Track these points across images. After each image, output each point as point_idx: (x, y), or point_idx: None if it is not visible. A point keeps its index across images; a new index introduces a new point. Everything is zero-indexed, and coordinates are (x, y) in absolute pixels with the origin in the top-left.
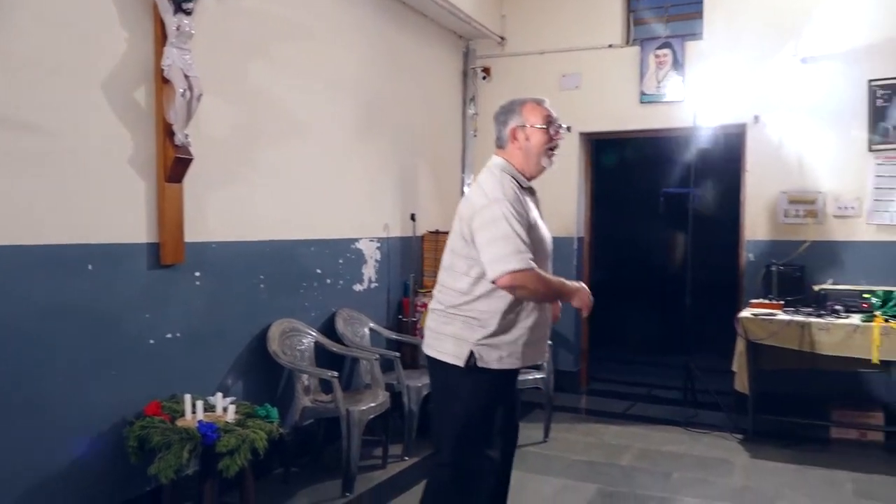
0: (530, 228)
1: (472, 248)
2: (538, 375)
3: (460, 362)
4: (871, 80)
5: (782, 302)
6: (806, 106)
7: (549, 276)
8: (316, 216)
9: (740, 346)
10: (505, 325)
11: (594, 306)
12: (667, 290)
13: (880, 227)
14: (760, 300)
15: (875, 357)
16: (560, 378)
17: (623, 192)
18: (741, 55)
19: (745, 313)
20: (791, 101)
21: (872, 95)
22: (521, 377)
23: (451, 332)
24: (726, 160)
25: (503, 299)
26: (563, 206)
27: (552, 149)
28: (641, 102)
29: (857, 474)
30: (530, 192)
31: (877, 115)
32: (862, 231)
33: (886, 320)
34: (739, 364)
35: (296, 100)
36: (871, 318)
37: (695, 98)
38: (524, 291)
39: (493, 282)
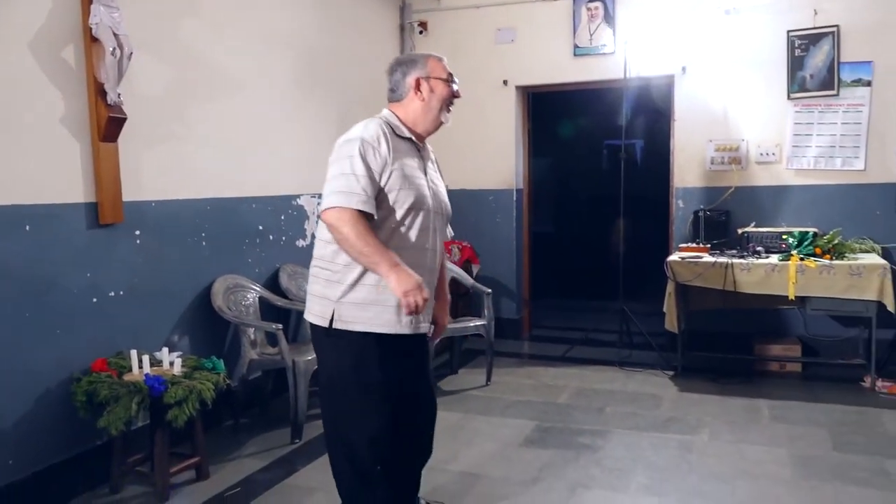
0: (402, 180)
1: None
2: (479, 322)
3: (324, 322)
4: (789, 31)
5: (709, 245)
6: (730, 57)
7: (372, 237)
8: (256, 173)
9: (670, 288)
10: (364, 281)
11: (535, 257)
12: (605, 237)
13: (798, 172)
14: (689, 244)
15: (791, 293)
16: (503, 326)
17: (567, 144)
18: (669, 7)
19: (674, 257)
20: (716, 52)
21: (791, 46)
22: (461, 325)
23: (316, 291)
24: (659, 111)
25: None
26: (501, 159)
27: (451, 104)
28: (575, 55)
29: (774, 401)
30: (412, 144)
31: (795, 65)
32: (782, 176)
33: (801, 259)
34: (669, 305)
35: (230, 56)
36: (787, 258)
37: (626, 50)
38: (338, 234)
39: (319, 216)
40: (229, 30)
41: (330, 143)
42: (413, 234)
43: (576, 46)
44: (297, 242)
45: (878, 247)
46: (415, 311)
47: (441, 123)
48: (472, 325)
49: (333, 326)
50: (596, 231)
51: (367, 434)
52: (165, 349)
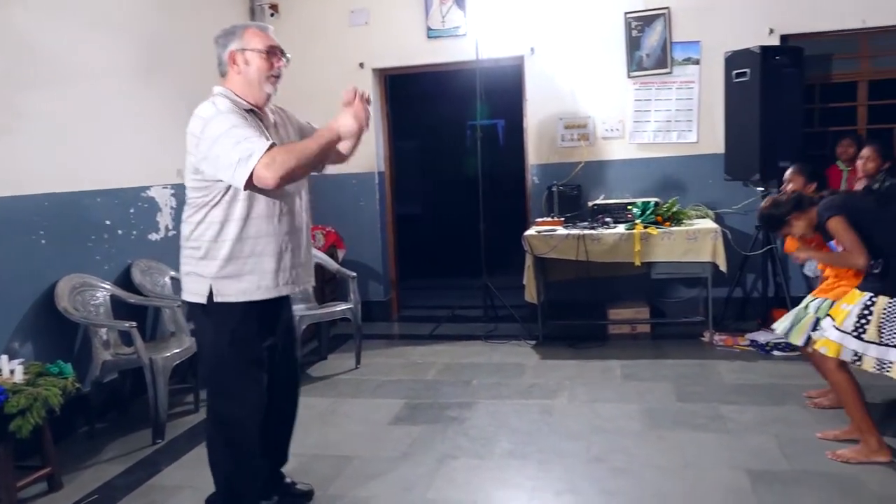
0: None
1: (198, 178)
2: (345, 307)
3: (202, 299)
4: (626, 13)
5: (562, 219)
6: (574, 37)
7: (301, 145)
8: (100, 165)
9: (528, 261)
10: (235, 253)
11: (403, 239)
12: (468, 216)
13: (640, 146)
14: (544, 219)
15: (637, 260)
16: (372, 308)
17: (429, 126)
18: None
19: (531, 231)
20: (561, 33)
21: (628, 27)
22: (327, 310)
23: (189, 270)
24: (513, 90)
25: (227, 225)
26: (362, 142)
27: (275, 76)
28: (429, 37)
29: (626, 361)
30: (255, 115)
31: (633, 45)
32: (625, 150)
33: (645, 227)
34: (529, 278)
35: (63, 42)
36: (632, 227)
37: (477, 32)
38: (288, 177)
39: (248, 187)
40: (62, 16)
41: (179, 131)
42: (280, 201)
43: (429, 28)
44: (149, 236)
45: (711, 212)
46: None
47: (268, 95)
48: (338, 309)
49: (215, 301)
50: (460, 210)
51: (249, 408)
52: (4, 357)
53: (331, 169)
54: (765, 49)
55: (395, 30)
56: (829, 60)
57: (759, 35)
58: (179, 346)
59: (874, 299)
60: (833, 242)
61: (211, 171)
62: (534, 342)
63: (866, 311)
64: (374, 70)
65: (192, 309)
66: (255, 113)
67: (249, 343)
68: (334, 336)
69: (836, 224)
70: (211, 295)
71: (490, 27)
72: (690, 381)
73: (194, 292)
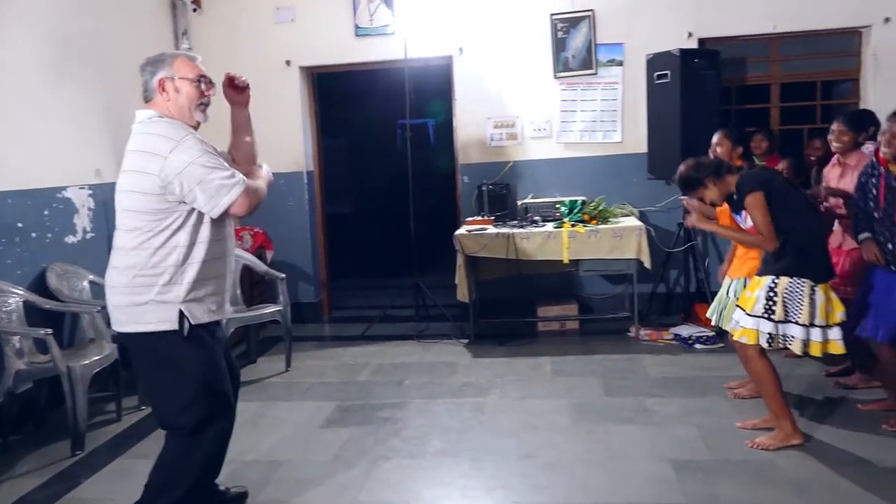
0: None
1: (161, 201)
2: (274, 309)
3: (172, 325)
4: (552, 14)
5: (492, 217)
6: (502, 38)
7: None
8: (9, 165)
9: (459, 260)
10: (202, 276)
11: (333, 239)
12: (398, 216)
13: (567, 145)
14: (475, 217)
15: (566, 257)
16: (302, 310)
17: (359, 124)
18: None
19: (462, 230)
20: (489, 33)
21: (554, 28)
22: (256, 312)
23: (150, 298)
24: (443, 90)
25: (195, 248)
26: (289, 141)
27: (205, 104)
28: (357, 35)
29: (556, 357)
30: None
31: (558, 46)
32: (553, 149)
33: (573, 225)
34: (460, 277)
35: None
36: (561, 225)
37: (405, 31)
38: (259, 202)
39: (220, 214)
40: None
41: (97, 130)
42: (222, 226)
43: (357, 27)
44: (65, 239)
45: (635, 210)
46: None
47: (198, 123)
48: (267, 311)
49: (190, 324)
50: (391, 209)
51: (232, 417)
52: None
53: None
54: (684, 52)
55: (323, 27)
56: (744, 63)
57: (678, 38)
58: (99, 353)
59: (776, 281)
60: (742, 216)
61: (180, 193)
62: (465, 341)
63: (772, 294)
64: (301, 68)
65: (153, 339)
66: None
67: (220, 359)
68: (263, 339)
69: (754, 200)
70: (183, 320)
71: (418, 26)
72: (617, 375)
73: (160, 320)
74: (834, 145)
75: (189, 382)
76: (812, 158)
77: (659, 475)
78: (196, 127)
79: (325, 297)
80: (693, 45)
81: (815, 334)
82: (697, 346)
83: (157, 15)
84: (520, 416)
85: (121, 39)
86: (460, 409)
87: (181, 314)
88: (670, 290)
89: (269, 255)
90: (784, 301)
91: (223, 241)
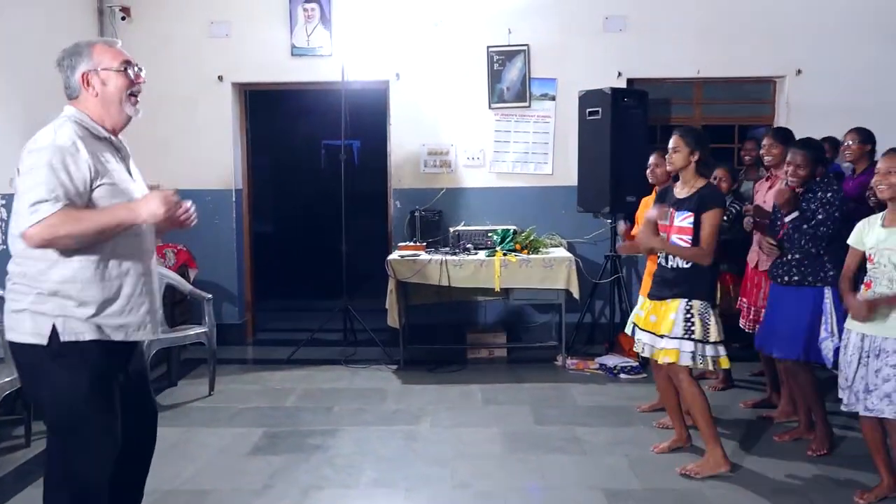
0: (113, 194)
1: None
2: (199, 330)
3: (43, 340)
4: (489, 46)
5: (425, 243)
6: (439, 66)
7: (88, 213)
8: None
9: (391, 285)
10: (102, 290)
11: (259, 259)
12: (328, 237)
13: (500, 175)
14: (407, 243)
15: (497, 285)
16: (225, 331)
17: (288, 143)
18: (383, 14)
19: (394, 255)
20: (427, 61)
21: (490, 60)
22: (179, 334)
23: (25, 307)
24: (377, 114)
25: (83, 258)
26: (218, 158)
27: (135, 94)
28: (293, 55)
29: (486, 385)
30: (110, 144)
31: (494, 78)
32: (486, 178)
33: (505, 254)
34: (391, 302)
35: None
36: (493, 253)
37: (343, 53)
38: (61, 242)
39: (24, 238)
40: None
41: (16, 138)
42: (131, 242)
43: (293, 46)
44: None
45: (564, 241)
46: (183, 212)
47: (129, 117)
48: (191, 333)
49: (64, 340)
50: (319, 230)
51: (105, 466)
52: None
53: (183, 184)
54: (615, 90)
55: (258, 45)
56: (669, 104)
57: (609, 77)
58: (10, 375)
59: (690, 303)
60: (679, 216)
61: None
62: (395, 366)
63: (689, 315)
64: (234, 84)
65: (30, 352)
66: (110, 142)
67: (108, 387)
68: (184, 361)
69: (715, 216)
70: (56, 334)
71: (356, 50)
72: (547, 404)
73: (32, 332)
74: (766, 159)
75: (54, 406)
76: (747, 158)
77: None
78: (126, 122)
79: (250, 318)
80: (622, 84)
81: (721, 351)
82: (622, 375)
83: (83, 22)
84: (453, 445)
85: (41, 47)
86: (392, 437)
87: (54, 327)
88: (595, 320)
89: (193, 273)
90: (702, 321)
91: (130, 256)
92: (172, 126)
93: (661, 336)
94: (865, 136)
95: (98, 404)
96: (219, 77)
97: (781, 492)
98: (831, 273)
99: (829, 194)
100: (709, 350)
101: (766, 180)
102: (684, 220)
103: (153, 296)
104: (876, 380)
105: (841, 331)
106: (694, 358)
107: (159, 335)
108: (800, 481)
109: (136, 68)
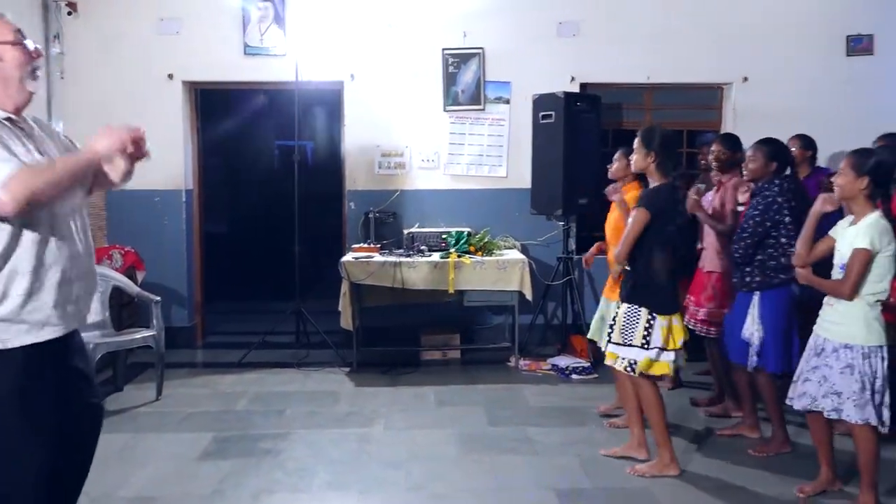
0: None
1: None
2: (147, 333)
3: None
4: (444, 49)
5: (379, 245)
6: (394, 68)
7: (49, 164)
8: None
9: (344, 287)
10: (9, 289)
11: (210, 260)
12: (280, 239)
13: (454, 177)
14: (361, 244)
15: (451, 287)
16: (174, 334)
17: (240, 143)
18: (337, 15)
19: (348, 257)
20: (382, 62)
21: (445, 62)
22: (126, 338)
23: None
24: (331, 114)
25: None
26: (168, 157)
27: (35, 69)
28: (246, 54)
29: (439, 387)
30: (13, 126)
31: (449, 80)
32: (440, 180)
33: (459, 256)
34: (344, 304)
35: None
36: (447, 255)
37: (297, 53)
38: (33, 193)
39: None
40: None
41: None
42: (56, 226)
43: (246, 45)
44: None
45: (518, 244)
46: (137, 143)
47: (30, 94)
48: (138, 336)
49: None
50: (272, 232)
51: (31, 479)
52: None
53: (130, 184)
54: (568, 95)
55: (210, 43)
56: (621, 109)
57: (562, 81)
58: None
59: (639, 310)
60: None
61: None
62: (348, 369)
63: (634, 320)
64: (185, 83)
65: None
66: (13, 122)
67: (36, 397)
68: (131, 365)
69: (639, 216)
70: None
71: (310, 50)
72: (500, 405)
73: None
74: (714, 164)
75: None
76: (703, 163)
77: None
78: (28, 100)
79: (200, 321)
80: (576, 88)
81: (655, 356)
82: (574, 376)
83: (27, 16)
84: (407, 447)
85: None
86: (345, 440)
87: None
88: (548, 321)
89: (141, 276)
90: (622, 326)
91: (41, 247)
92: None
93: (611, 339)
94: (807, 143)
95: (26, 416)
96: (169, 75)
97: (727, 488)
98: (757, 279)
99: (767, 198)
100: (631, 354)
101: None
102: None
103: (81, 282)
104: (817, 376)
105: (767, 333)
106: (633, 364)
107: (85, 322)
108: (744, 477)
109: (31, 43)
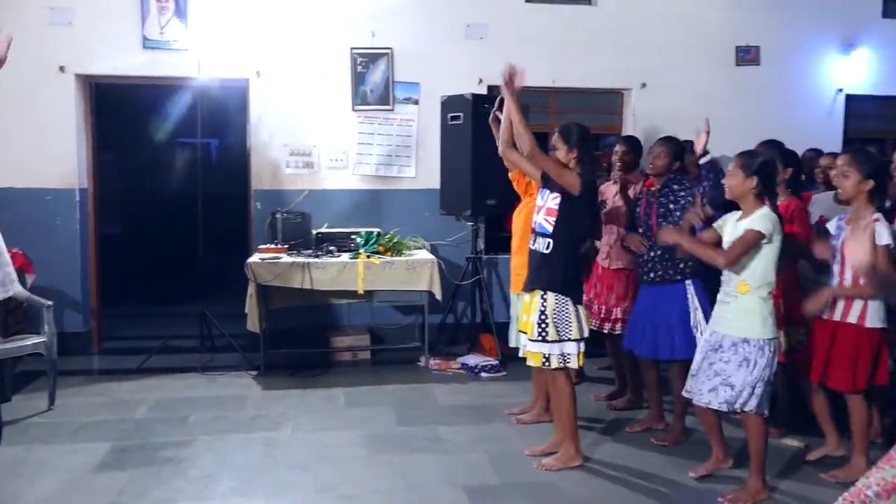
0: None
1: None
2: (37, 340)
3: None
4: (352, 48)
5: (287, 246)
6: (302, 66)
7: None
8: None
9: (251, 289)
10: None
11: (106, 263)
12: (183, 240)
13: (363, 177)
14: (268, 245)
15: (360, 288)
16: (68, 340)
17: (139, 141)
18: (243, 10)
19: (254, 258)
20: (289, 60)
21: (354, 62)
22: (14, 345)
23: None
24: (236, 112)
25: None
26: (59, 155)
27: None
28: (145, 47)
29: (349, 388)
30: None
31: (358, 80)
32: (349, 180)
33: (368, 256)
34: (251, 306)
35: None
36: (357, 256)
37: (200, 48)
38: None
39: None
40: None
41: None
42: None
43: (145, 38)
44: None
45: (427, 244)
46: None
47: None
48: (28, 343)
49: None
50: (174, 232)
51: None
52: None
53: (19, 182)
54: (476, 96)
55: (106, 35)
56: (527, 111)
57: (470, 82)
58: None
59: (545, 297)
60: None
61: None
62: (255, 372)
63: (543, 315)
64: (78, 76)
65: None
66: None
67: None
68: (20, 373)
69: (572, 178)
70: None
71: (214, 45)
72: (410, 404)
73: None
74: (618, 165)
75: None
76: (605, 164)
77: (454, 501)
78: None
79: (96, 326)
80: (483, 90)
81: (582, 347)
82: (483, 374)
83: None
84: (315, 449)
85: None
86: (251, 445)
87: None
88: (458, 320)
89: (30, 279)
90: (555, 322)
91: None
92: (8, 120)
93: (527, 336)
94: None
95: None
96: (60, 68)
97: (630, 478)
98: (690, 263)
99: (682, 191)
100: (570, 349)
101: (614, 184)
102: (551, 199)
103: None
104: (709, 371)
105: (686, 322)
106: (549, 360)
107: None
108: (646, 468)
109: None
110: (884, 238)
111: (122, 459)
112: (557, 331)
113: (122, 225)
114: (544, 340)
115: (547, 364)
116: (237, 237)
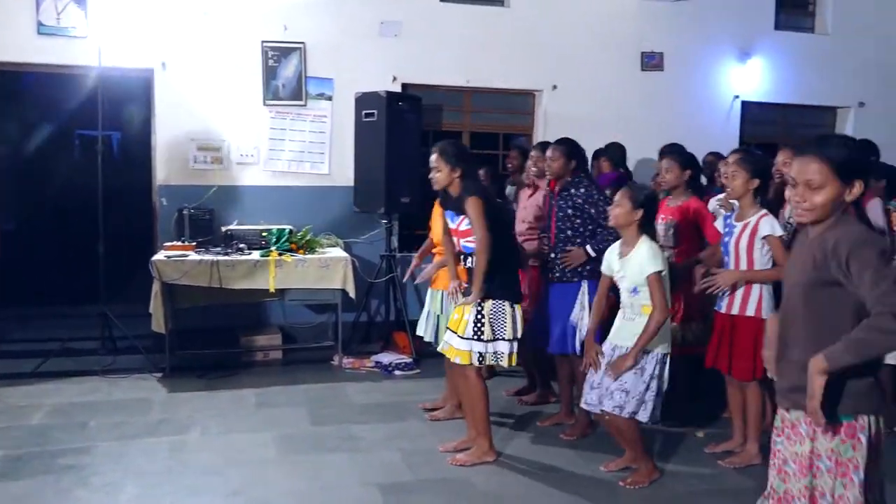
0: None
1: None
2: None
3: None
4: (263, 42)
5: (194, 243)
6: (210, 58)
7: None
8: None
9: (156, 287)
10: None
11: None
12: (82, 236)
13: (275, 174)
14: (174, 243)
15: (272, 286)
16: None
17: (35, 132)
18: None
19: (159, 256)
20: (196, 51)
21: (265, 55)
22: None
23: None
24: (140, 104)
25: None
26: None
27: None
28: (40, 34)
29: (259, 389)
30: None
31: (269, 74)
32: (261, 176)
33: (280, 254)
34: (156, 305)
35: None
36: (268, 253)
37: (100, 36)
38: None
39: None
40: None
41: None
42: None
43: (40, 24)
44: None
45: (341, 241)
46: None
47: None
48: None
49: None
50: (73, 229)
51: None
52: None
53: None
54: (390, 94)
55: None
56: (441, 111)
57: (385, 80)
58: None
59: (482, 304)
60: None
61: None
62: (160, 374)
63: (480, 316)
64: None
65: None
66: None
67: None
68: None
69: (476, 204)
70: None
71: (115, 33)
72: (323, 404)
73: None
74: (533, 171)
75: None
76: (510, 166)
77: (367, 500)
78: None
79: None
80: (398, 88)
81: (514, 347)
82: (397, 372)
83: None
84: (224, 453)
85: None
86: (157, 450)
87: None
88: (371, 318)
89: None
90: (490, 321)
91: None
92: None
93: (457, 334)
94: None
95: None
96: None
97: (541, 470)
98: (588, 267)
99: (582, 191)
100: (502, 348)
101: (529, 187)
102: (461, 223)
103: None
104: (607, 381)
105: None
106: (482, 358)
107: None
108: (558, 461)
109: None
110: (777, 230)
111: (16, 468)
112: (493, 330)
113: (16, 221)
114: (479, 339)
115: (482, 362)
116: (141, 234)
